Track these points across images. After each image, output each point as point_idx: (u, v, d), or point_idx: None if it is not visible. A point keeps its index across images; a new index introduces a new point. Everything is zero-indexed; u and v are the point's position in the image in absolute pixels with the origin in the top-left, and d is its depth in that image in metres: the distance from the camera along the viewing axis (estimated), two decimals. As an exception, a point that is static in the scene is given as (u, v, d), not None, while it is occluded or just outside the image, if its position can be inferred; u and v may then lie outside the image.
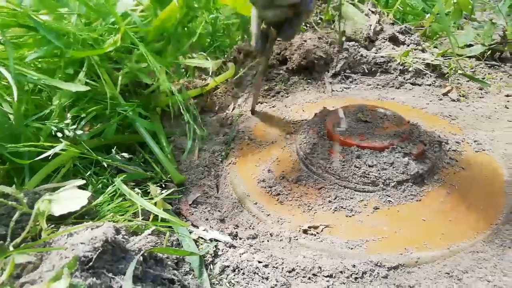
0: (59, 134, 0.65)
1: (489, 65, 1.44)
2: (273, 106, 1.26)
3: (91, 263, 0.42)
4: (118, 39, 0.70)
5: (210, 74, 1.32)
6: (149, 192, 0.75)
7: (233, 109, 1.25)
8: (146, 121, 0.86)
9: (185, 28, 0.93)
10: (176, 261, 0.65)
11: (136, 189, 0.71)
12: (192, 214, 0.86)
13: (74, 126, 0.66)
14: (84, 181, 0.62)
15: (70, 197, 0.54)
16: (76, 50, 0.69)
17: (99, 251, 0.43)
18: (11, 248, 0.47)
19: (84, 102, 0.78)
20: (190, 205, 0.88)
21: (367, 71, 1.37)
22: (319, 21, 1.50)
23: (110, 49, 0.71)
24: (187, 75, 1.25)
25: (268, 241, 0.81)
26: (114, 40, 0.70)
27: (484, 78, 1.38)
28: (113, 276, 0.43)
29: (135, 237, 0.54)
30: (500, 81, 1.38)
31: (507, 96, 1.29)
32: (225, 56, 1.42)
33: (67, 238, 0.46)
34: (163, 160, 0.88)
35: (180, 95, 0.91)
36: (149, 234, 0.57)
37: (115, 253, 0.46)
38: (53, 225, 0.52)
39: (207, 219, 0.85)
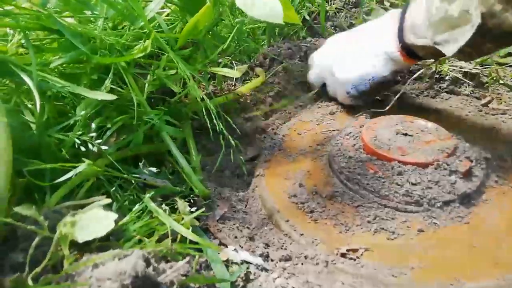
0: (83, 148, 0.61)
1: (531, 74, 1.35)
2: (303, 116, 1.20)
3: (119, 303, 0.37)
4: (148, 45, 0.65)
5: (234, 80, 1.28)
6: (177, 208, 0.70)
7: (262, 118, 1.19)
8: (174, 128, 0.80)
9: (214, 34, 0.87)
10: None
11: (164, 206, 0.65)
12: (220, 231, 0.80)
13: (100, 140, 0.61)
14: (110, 200, 0.57)
15: (95, 219, 0.49)
16: (102, 56, 0.64)
17: (129, 288, 0.38)
18: (29, 281, 0.42)
19: (110, 110, 0.73)
20: (217, 220, 0.82)
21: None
22: (349, 26, 1.43)
23: (139, 55, 0.66)
24: (214, 82, 1.20)
25: (302, 264, 0.74)
26: (143, 46, 0.65)
27: (527, 88, 1.29)
28: (143, 316, 0.38)
29: (165, 264, 0.48)
30: (544, 92, 1.29)
31: (553, 107, 1.20)
32: (251, 60, 1.37)
33: (92, 271, 0.40)
34: (187, 172, 0.82)
35: (210, 102, 0.85)
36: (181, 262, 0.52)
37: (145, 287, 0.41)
38: (75, 251, 0.47)
39: (236, 237, 0.79)
